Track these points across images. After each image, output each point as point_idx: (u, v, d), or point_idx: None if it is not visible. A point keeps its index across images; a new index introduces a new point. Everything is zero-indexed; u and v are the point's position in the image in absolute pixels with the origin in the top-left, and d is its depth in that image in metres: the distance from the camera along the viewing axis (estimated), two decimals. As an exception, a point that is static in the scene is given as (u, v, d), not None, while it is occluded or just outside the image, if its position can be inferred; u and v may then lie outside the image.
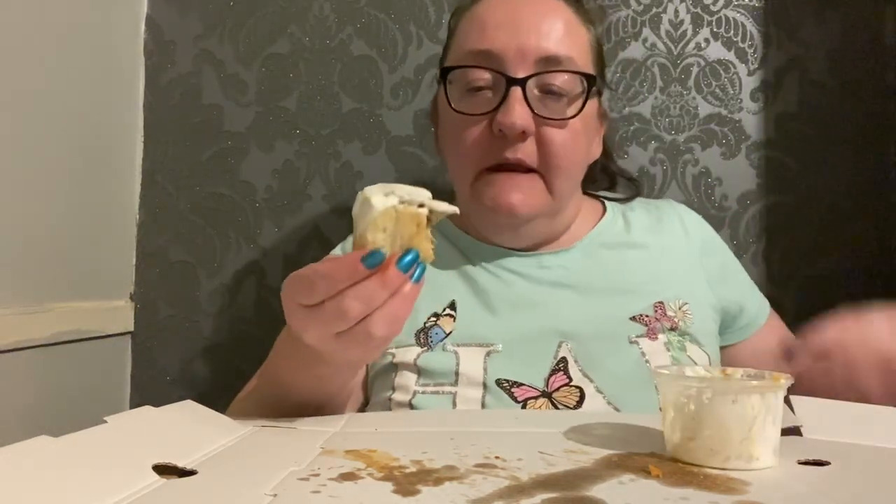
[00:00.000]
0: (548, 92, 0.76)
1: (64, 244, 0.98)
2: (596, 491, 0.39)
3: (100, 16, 1.04)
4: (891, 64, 1.08)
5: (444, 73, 0.79)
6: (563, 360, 0.75)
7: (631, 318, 0.78)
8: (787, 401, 0.56)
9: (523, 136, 0.74)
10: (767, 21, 1.09)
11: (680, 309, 0.80)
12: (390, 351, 0.78)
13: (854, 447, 0.51)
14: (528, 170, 0.76)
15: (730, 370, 0.52)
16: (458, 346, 0.76)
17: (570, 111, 0.76)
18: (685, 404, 0.46)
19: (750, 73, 1.09)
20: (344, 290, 0.49)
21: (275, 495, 0.38)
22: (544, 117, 0.75)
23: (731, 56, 1.09)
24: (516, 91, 0.74)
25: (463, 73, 0.78)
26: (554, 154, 0.75)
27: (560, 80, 0.76)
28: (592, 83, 0.77)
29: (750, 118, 1.09)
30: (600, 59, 0.84)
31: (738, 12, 1.10)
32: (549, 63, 0.75)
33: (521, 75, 0.74)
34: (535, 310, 0.78)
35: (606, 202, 0.91)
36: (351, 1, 1.12)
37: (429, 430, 0.56)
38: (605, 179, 0.97)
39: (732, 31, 1.10)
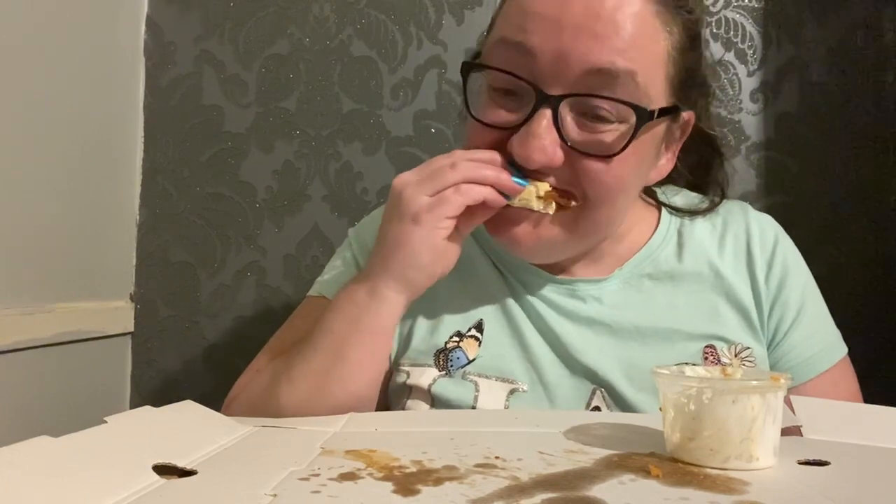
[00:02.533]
0: (591, 115, 0.60)
1: (64, 244, 0.98)
2: (596, 491, 0.39)
3: (100, 16, 1.04)
4: (891, 64, 1.08)
5: (464, 68, 0.65)
6: (597, 409, 0.68)
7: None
8: (787, 401, 0.56)
9: (547, 167, 0.61)
10: (767, 21, 1.09)
11: (737, 356, 0.68)
12: (404, 369, 0.71)
13: (854, 447, 0.51)
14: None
15: (730, 370, 0.52)
16: (480, 376, 0.69)
17: (617, 144, 0.60)
18: (685, 404, 0.46)
19: (750, 74, 1.09)
20: None
21: (275, 495, 0.38)
22: (578, 151, 0.60)
23: (730, 57, 1.09)
24: (544, 113, 0.59)
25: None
26: (589, 186, 0.62)
27: (609, 104, 0.59)
28: (645, 118, 0.59)
29: (750, 119, 1.09)
30: (681, 71, 0.64)
31: (738, 13, 1.10)
32: (601, 80, 0.58)
33: (555, 91, 0.59)
34: (567, 349, 0.69)
35: (663, 210, 0.76)
36: (351, 1, 1.12)
37: (429, 430, 0.56)
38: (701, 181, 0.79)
39: (732, 32, 1.10)
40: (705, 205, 0.76)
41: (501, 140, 0.63)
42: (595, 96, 0.59)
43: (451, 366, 0.69)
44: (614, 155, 0.60)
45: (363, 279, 0.65)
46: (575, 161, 0.61)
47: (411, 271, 0.63)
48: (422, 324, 0.72)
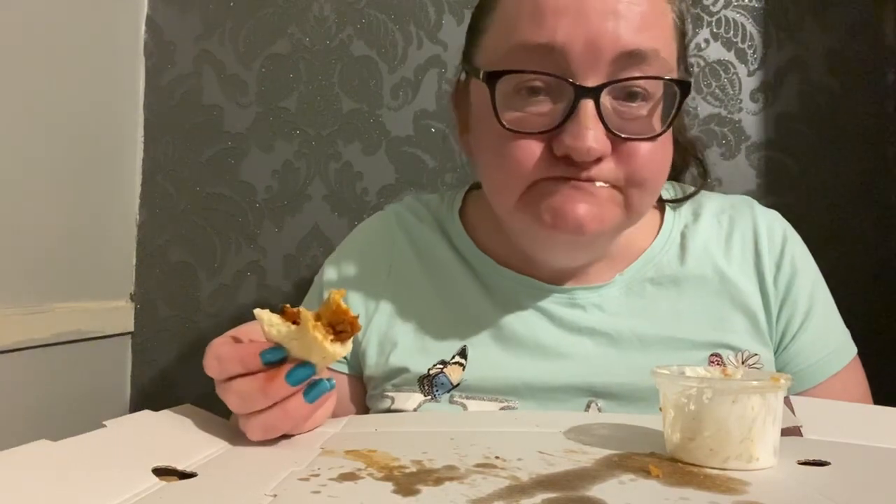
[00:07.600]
0: (623, 96, 0.59)
1: (64, 244, 0.98)
2: (596, 491, 0.39)
3: (100, 16, 1.04)
4: (891, 64, 1.08)
5: (491, 77, 0.60)
6: None
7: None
8: (787, 401, 0.56)
9: (598, 161, 0.59)
10: (767, 21, 1.09)
11: (745, 362, 0.67)
12: (388, 395, 0.69)
13: (854, 447, 0.51)
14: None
15: (730, 370, 0.52)
16: (467, 397, 0.67)
17: (656, 122, 0.60)
18: (685, 404, 0.46)
19: (750, 74, 1.09)
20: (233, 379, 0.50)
21: (275, 495, 0.38)
22: (623, 137, 0.58)
23: (730, 56, 1.09)
24: (587, 106, 0.57)
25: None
26: (639, 170, 0.59)
27: (643, 81, 0.59)
28: (687, 91, 0.59)
29: (750, 118, 1.09)
30: (683, 42, 0.65)
31: (738, 13, 1.10)
32: (632, 62, 0.58)
33: (592, 81, 0.57)
34: (561, 361, 0.67)
35: (667, 207, 0.74)
36: (351, 1, 1.12)
37: (429, 430, 0.56)
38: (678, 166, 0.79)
39: (732, 32, 1.10)
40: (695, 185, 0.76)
41: (537, 146, 0.59)
42: (633, 79, 0.58)
43: (437, 391, 0.68)
44: (659, 135, 0.59)
45: None
46: (620, 147, 0.59)
47: None
48: (404, 354, 0.70)
